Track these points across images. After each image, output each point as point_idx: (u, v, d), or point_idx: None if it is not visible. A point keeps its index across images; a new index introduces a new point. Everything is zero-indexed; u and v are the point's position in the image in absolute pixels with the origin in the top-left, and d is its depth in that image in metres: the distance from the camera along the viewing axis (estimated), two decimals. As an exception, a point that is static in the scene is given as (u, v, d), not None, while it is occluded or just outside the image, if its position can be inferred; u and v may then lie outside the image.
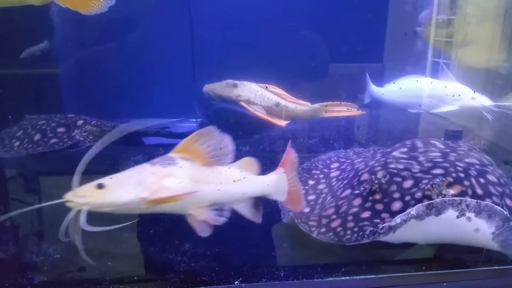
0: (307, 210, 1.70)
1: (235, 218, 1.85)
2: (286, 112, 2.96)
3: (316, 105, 2.98)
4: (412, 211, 1.38)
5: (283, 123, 2.88)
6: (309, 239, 1.60)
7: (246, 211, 1.49)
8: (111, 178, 1.29)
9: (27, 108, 2.83)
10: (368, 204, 1.57)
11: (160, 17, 2.80)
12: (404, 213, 1.40)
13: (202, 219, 1.36)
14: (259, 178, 1.49)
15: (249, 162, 1.51)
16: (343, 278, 1.50)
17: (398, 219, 1.39)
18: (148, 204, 1.29)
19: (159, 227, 1.76)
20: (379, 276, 1.51)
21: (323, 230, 1.53)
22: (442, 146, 1.86)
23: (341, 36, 3.23)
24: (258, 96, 2.94)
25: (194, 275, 1.49)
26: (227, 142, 1.42)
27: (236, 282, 1.43)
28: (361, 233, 1.44)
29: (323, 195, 1.79)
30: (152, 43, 2.99)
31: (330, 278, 1.50)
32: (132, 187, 1.29)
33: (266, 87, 2.96)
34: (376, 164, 1.71)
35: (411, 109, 2.86)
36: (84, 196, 1.24)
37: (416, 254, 1.69)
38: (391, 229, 1.40)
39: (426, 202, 1.39)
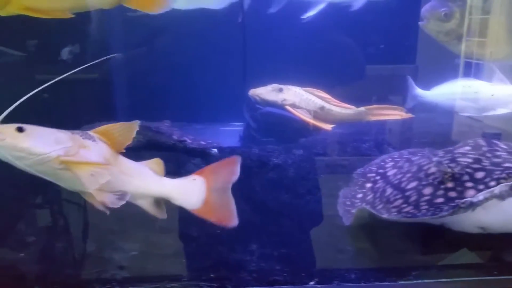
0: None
1: (298, 221, 1.86)
2: (330, 116, 2.95)
3: (362, 108, 2.97)
4: (496, 189, 1.37)
5: (328, 126, 2.87)
6: (374, 243, 1.60)
7: (147, 207, 1.47)
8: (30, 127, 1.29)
9: (74, 114, 2.87)
10: (441, 192, 1.55)
11: (213, 21, 2.81)
12: (487, 190, 1.39)
13: (101, 200, 1.34)
14: (160, 179, 1.49)
15: (156, 162, 1.54)
16: (414, 281, 1.47)
17: (480, 196, 1.38)
18: (59, 164, 1.29)
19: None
20: (451, 280, 1.48)
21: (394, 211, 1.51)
22: (504, 146, 1.84)
23: (374, 37, 3.22)
24: (303, 100, 2.94)
25: (267, 275, 1.47)
26: (131, 134, 1.45)
27: (311, 283, 1.41)
28: (438, 209, 1.42)
29: (383, 191, 1.77)
30: (204, 48, 3.02)
31: (401, 282, 1.46)
32: (50, 142, 1.29)
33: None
34: (444, 158, 1.69)
35: (463, 113, 2.82)
36: (1, 133, 1.23)
37: (481, 259, 1.65)
38: (472, 205, 1.38)
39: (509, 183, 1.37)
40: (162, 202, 1.49)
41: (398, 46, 3.32)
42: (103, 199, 1.35)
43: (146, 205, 1.47)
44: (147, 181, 1.47)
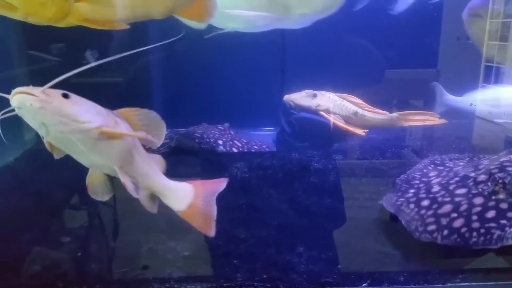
0: (415, 214, 1.69)
1: (342, 225, 1.91)
2: (363, 121, 3.00)
3: (394, 114, 3.01)
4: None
5: (361, 132, 2.92)
6: (419, 247, 1.64)
7: (143, 198, 1.52)
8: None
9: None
10: (492, 203, 1.57)
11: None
12: None
13: (123, 181, 1.41)
14: (161, 175, 1.55)
15: (158, 159, 1.60)
16: (462, 284, 1.50)
17: None
18: (98, 135, 1.31)
19: (269, 230, 1.82)
20: (500, 283, 1.50)
21: (445, 232, 1.54)
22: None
23: (395, 42, 3.24)
24: (337, 105, 2.99)
25: (318, 276, 1.52)
26: (160, 130, 1.50)
27: (364, 284, 1.45)
28: (488, 237, 1.45)
29: (429, 199, 1.79)
30: (243, 53, 3.08)
31: (449, 284, 1.50)
32: (93, 113, 1.32)
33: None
34: (492, 167, 1.71)
35: (498, 119, 2.83)
36: (48, 96, 1.24)
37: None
38: None
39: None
40: (156, 198, 1.56)
41: (420, 50, 3.34)
42: (124, 181, 1.41)
43: (143, 196, 1.51)
44: (153, 173, 1.53)
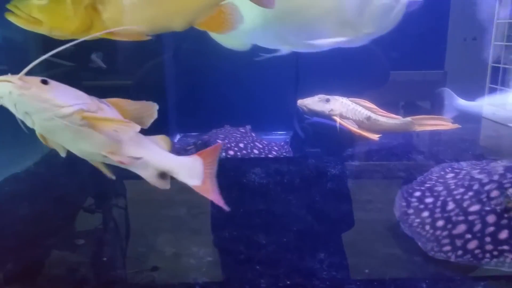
0: (430, 236, 1.72)
1: (361, 231, 1.93)
2: (377, 126, 3.01)
3: (408, 119, 3.01)
4: None
5: (375, 137, 2.93)
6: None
7: (150, 178, 1.54)
8: None
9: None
10: (504, 221, 1.59)
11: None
12: None
13: (118, 159, 1.42)
14: (166, 153, 1.56)
15: (163, 139, 1.61)
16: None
17: None
18: (80, 120, 1.32)
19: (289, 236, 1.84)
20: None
21: (460, 253, 1.56)
22: None
23: (401, 42, 3.24)
24: (350, 110, 3.01)
25: (341, 283, 1.55)
26: (151, 110, 1.53)
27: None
28: (501, 259, 1.48)
29: (444, 219, 1.81)
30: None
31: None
32: (72, 97, 1.33)
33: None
34: (505, 181, 1.72)
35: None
36: (26, 82, 1.25)
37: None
38: None
39: None
40: (166, 175, 1.56)
41: (427, 52, 3.34)
42: (119, 159, 1.42)
43: (149, 176, 1.54)
44: (153, 153, 1.53)
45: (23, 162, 2.90)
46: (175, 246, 1.83)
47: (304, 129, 3.00)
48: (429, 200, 1.88)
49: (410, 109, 3.12)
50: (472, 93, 3.27)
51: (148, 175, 1.53)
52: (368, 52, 3.19)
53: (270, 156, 2.95)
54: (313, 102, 3.02)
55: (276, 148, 3.00)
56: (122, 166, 1.49)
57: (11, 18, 1.58)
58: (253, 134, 3.19)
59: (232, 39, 2.30)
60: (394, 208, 1.88)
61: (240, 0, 1.87)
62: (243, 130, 3.20)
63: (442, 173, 2.07)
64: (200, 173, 1.55)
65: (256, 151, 2.95)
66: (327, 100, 3.01)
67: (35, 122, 1.32)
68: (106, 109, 1.42)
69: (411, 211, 1.85)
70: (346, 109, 3.00)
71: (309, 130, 2.98)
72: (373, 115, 3.00)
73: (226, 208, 1.51)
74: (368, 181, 2.31)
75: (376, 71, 3.23)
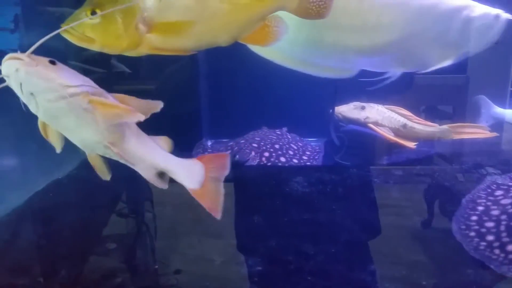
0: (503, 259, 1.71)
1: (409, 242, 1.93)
2: (413, 134, 2.99)
3: (445, 127, 2.99)
4: None
5: (412, 144, 2.92)
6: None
7: (150, 177, 1.56)
8: None
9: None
10: None
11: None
12: None
13: (118, 152, 1.44)
14: (166, 154, 1.58)
15: (164, 140, 1.63)
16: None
17: None
18: (86, 103, 1.32)
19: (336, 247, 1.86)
20: None
21: None
22: None
23: None
24: (386, 117, 3.00)
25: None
26: (153, 105, 1.54)
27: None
28: None
29: (509, 232, 1.79)
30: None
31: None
32: (79, 79, 1.34)
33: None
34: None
35: None
36: (35, 60, 1.24)
37: None
38: None
39: None
40: (165, 175, 1.59)
41: None
42: (119, 151, 1.44)
43: (148, 175, 1.56)
44: (153, 151, 1.55)
45: (64, 168, 2.99)
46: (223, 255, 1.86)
47: (339, 137, 2.99)
48: (489, 224, 1.86)
49: (431, 114, 3.07)
50: (495, 97, 3.22)
51: (147, 174, 1.56)
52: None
53: (302, 158, 2.97)
54: (348, 110, 3.03)
55: (310, 148, 3.02)
56: (122, 161, 1.51)
57: (65, 36, 1.64)
58: (289, 136, 3.24)
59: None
60: (453, 231, 1.87)
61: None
62: (279, 132, 3.25)
63: (489, 190, 2.04)
64: (200, 177, 1.57)
65: (291, 152, 2.96)
66: (363, 108, 3.01)
67: (39, 104, 1.30)
68: (109, 97, 1.44)
69: (472, 234, 1.84)
70: (382, 117, 3.00)
71: (344, 138, 2.97)
72: (409, 123, 2.99)
73: (217, 216, 1.54)
74: (416, 191, 2.28)
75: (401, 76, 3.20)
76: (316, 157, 3.07)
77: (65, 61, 1.41)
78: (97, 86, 1.44)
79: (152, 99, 2.80)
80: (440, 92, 3.26)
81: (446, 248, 1.86)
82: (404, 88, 3.22)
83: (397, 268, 1.74)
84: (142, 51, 1.78)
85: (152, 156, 1.55)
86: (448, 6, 2.27)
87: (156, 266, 2.07)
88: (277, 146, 2.98)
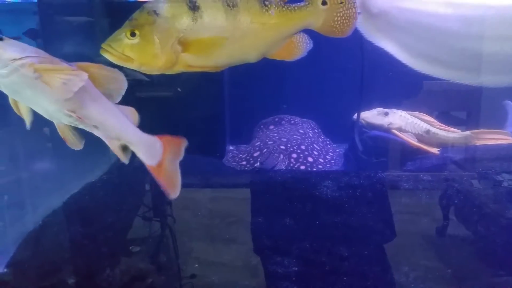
0: None
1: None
2: (436, 140, 3.04)
3: (467, 132, 3.03)
4: None
5: (435, 150, 2.97)
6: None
7: (114, 148, 1.61)
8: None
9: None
10: None
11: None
12: None
13: (78, 117, 1.49)
14: (131, 125, 1.63)
15: (131, 111, 1.67)
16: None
17: None
18: (33, 73, 1.36)
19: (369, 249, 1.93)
20: None
21: None
22: None
23: None
24: (409, 123, 3.06)
25: None
26: (120, 86, 1.60)
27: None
28: None
29: None
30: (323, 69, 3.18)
31: None
32: (26, 51, 1.38)
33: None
34: None
35: None
36: None
37: None
38: None
39: None
40: (128, 149, 1.64)
41: None
42: (79, 117, 1.48)
43: (113, 145, 1.61)
44: (117, 121, 1.60)
45: (96, 171, 3.11)
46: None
47: (363, 142, 3.06)
48: None
49: (444, 119, 3.10)
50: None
51: (110, 143, 1.61)
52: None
53: (326, 158, 3.05)
54: (371, 116, 3.09)
55: (329, 157, 3.09)
56: (87, 129, 1.57)
57: (105, 55, 1.75)
58: (310, 133, 3.32)
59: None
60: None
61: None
62: (302, 131, 3.31)
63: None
64: (158, 155, 1.64)
65: (315, 152, 3.05)
66: (386, 114, 3.07)
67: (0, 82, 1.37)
68: (62, 65, 1.45)
69: None
70: (405, 123, 3.05)
71: (368, 144, 3.03)
72: (432, 129, 3.04)
73: (170, 196, 1.62)
74: (446, 196, 2.33)
75: (408, 82, 3.23)
76: (338, 158, 3.14)
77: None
78: (48, 55, 1.47)
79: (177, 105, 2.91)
80: (452, 98, 3.28)
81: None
82: (414, 93, 3.26)
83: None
84: (177, 69, 1.88)
85: (114, 123, 1.59)
86: None
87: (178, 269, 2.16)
88: (303, 147, 3.05)
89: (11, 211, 2.74)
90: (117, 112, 1.64)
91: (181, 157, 1.71)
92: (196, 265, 2.03)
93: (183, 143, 1.73)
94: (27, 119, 1.55)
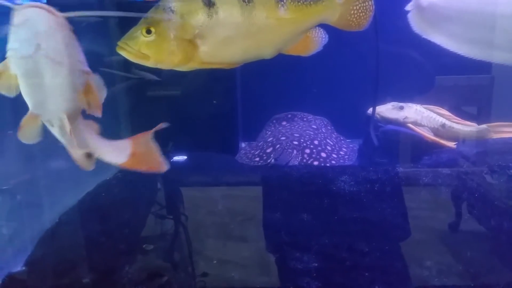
0: None
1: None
2: (452, 133, 3.01)
3: (483, 126, 2.99)
4: None
5: (452, 144, 2.93)
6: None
7: (78, 158, 1.69)
8: None
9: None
10: None
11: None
12: None
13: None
14: (93, 136, 1.70)
15: (91, 124, 1.73)
16: None
17: None
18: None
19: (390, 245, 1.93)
20: None
21: None
22: None
23: None
24: (424, 117, 3.03)
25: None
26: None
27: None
28: None
29: None
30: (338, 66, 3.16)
31: None
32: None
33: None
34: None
35: None
36: None
37: None
38: None
39: None
40: (92, 157, 1.71)
41: None
42: (67, 126, 1.57)
43: (77, 156, 1.69)
44: (85, 133, 1.68)
45: (111, 168, 3.12)
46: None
47: (378, 137, 3.03)
48: None
49: (455, 114, 3.07)
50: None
51: (76, 155, 1.69)
52: (412, 58, 3.18)
53: (339, 154, 3.03)
54: (386, 110, 3.06)
55: (342, 153, 3.07)
56: (60, 137, 1.65)
57: (122, 53, 1.75)
58: (323, 129, 3.31)
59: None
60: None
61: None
62: (314, 127, 3.30)
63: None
64: (126, 151, 1.72)
65: (329, 148, 3.04)
66: (401, 108, 3.05)
67: None
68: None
69: None
70: (421, 116, 3.02)
71: (383, 138, 3.01)
72: (448, 122, 3.01)
73: (163, 169, 1.68)
74: (465, 190, 2.31)
75: (421, 77, 3.20)
76: (352, 153, 3.12)
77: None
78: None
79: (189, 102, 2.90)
80: (464, 93, 3.25)
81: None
82: (426, 89, 3.24)
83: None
84: (193, 65, 1.88)
85: (85, 137, 1.68)
86: None
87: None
88: (316, 142, 3.04)
89: (28, 210, 2.76)
90: (80, 126, 1.71)
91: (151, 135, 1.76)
92: (215, 262, 2.01)
93: (149, 133, 1.77)
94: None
